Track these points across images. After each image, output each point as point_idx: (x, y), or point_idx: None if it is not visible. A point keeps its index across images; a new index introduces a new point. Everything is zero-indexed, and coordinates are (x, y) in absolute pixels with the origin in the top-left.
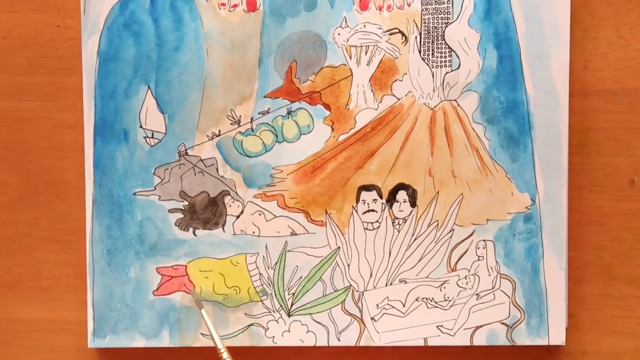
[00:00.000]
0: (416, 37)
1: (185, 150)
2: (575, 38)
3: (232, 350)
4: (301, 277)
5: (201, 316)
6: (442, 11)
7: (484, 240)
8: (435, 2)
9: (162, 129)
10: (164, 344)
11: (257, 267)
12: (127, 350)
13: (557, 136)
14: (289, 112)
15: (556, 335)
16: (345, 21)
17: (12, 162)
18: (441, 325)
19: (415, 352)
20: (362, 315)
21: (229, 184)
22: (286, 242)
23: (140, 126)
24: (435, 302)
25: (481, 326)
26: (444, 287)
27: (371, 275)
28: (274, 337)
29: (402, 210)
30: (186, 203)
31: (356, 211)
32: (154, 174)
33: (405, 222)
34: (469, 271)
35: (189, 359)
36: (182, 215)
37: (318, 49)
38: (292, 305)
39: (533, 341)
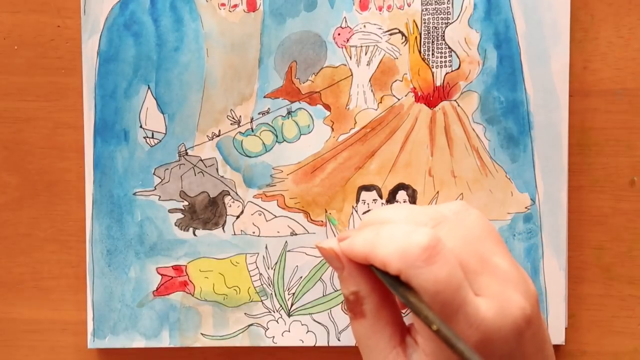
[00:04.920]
0: (416, 37)
1: (185, 150)
2: (575, 38)
3: (232, 350)
4: (301, 277)
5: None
6: (442, 11)
7: None
8: (435, 2)
9: (162, 129)
10: (163, 344)
11: (257, 267)
12: (127, 351)
13: (557, 136)
14: (289, 112)
15: (556, 335)
16: (346, 21)
17: (12, 162)
18: None
19: None
20: None
21: (229, 184)
22: (286, 242)
23: (140, 126)
24: None
25: None
26: None
27: None
28: (274, 337)
29: None
30: (186, 203)
31: (356, 211)
32: (154, 174)
33: None
34: None
35: (188, 359)
36: (182, 216)
37: (318, 49)
38: (292, 305)
39: None
